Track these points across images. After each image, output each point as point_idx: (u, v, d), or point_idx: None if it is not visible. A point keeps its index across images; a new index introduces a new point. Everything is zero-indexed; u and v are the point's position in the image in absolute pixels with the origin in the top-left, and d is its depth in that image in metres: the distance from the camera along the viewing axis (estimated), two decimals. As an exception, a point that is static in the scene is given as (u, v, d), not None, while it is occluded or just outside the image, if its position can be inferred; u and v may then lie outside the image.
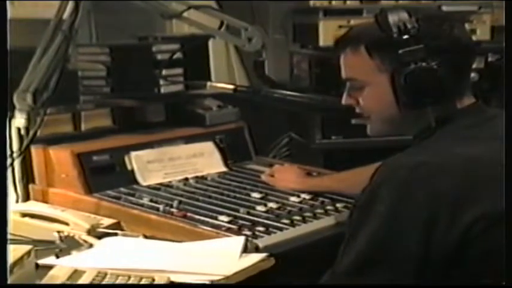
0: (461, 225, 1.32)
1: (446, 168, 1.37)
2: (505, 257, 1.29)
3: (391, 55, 1.46)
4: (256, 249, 1.64)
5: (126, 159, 2.10)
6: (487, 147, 1.42)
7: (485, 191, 1.35)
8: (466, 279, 1.34)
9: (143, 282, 1.49)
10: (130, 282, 1.49)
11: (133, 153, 2.11)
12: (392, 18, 1.46)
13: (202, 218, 1.81)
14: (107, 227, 1.83)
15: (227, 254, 1.60)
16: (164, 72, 2.28)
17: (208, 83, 2.25)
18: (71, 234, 1.77)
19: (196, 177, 2.16)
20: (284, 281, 1.66)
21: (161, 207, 1.88)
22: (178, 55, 2.32)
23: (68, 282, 1.49)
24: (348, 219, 1.47)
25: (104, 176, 2.04)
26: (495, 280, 1.33)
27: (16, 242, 1.68)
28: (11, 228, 1.46)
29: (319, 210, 1.88)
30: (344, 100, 1.61)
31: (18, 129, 1.99)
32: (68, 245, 1.72)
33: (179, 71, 2.34)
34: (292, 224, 1.78)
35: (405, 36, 1.45)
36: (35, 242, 1.70)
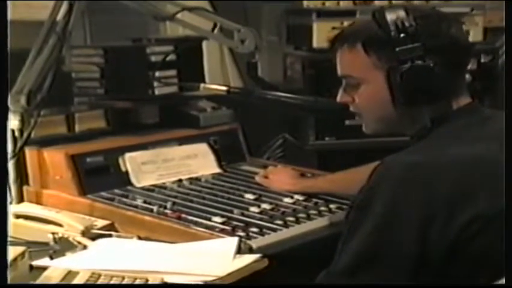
0: (457, 225, 1.32)
1: (443, 167, 1.37)
2: (505, 257, 1.29)
3: (387, 53, 1.46)
4: (250, 250, 1.64)
5: (120, 160, 2.10)
6: (483, 147, 1.42)
7: (481, 191, 1.35)
8: (463, 278, 1.35)
9: (137, 283, 1.50)
10: (124, 283, 1.49)
11: (127, 155, 2.11)
12: (390, 16, 1.46)
13: (196, 219, 1.81)
14: (101, 229, 1.83)
15: (221, 255, 1.60)
16: (158, 73, 2.28)
17: (202, 85, 2.25)
18: (65, 236, 1.77)
19: (190, 178, 2.16)
20: (278, 281, 1.66)
21: (155, 208, 1.88)
22: (172, 57, 2.32)
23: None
24: (345, 218, 1.46)
25: (98, 178, 2.04)
26: (491, 280, 1.33)
27: (10, 243, 1.68)
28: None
29: (312, 211, 1.88)
30: (339, 97, 1.60)
31: (12, 131, 1.99)
32: (62, 246, 1.72)
33: (173, 72, 2.33)
34: (286, 225, 1.79)
35: (402, 34, 1.44)
36: (29, 244, 1.71)
